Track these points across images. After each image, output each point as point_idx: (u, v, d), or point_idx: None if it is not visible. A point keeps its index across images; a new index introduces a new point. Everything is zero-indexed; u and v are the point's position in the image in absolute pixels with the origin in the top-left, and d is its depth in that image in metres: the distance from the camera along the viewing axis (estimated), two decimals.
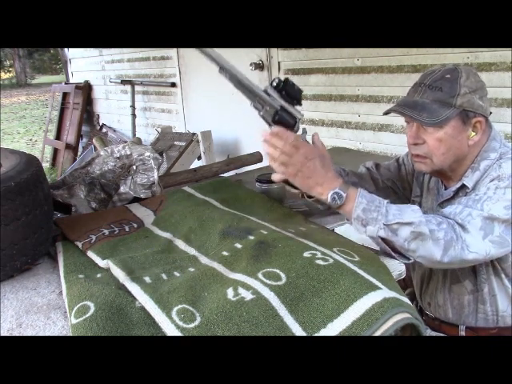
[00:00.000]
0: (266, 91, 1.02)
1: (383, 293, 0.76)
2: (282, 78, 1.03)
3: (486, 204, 1.03)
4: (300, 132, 1.07)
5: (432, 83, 1.11)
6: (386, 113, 1.18)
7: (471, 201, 1.06)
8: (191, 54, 3.86)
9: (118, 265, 0.93)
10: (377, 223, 0.97)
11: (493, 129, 1.17)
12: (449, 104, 1.08)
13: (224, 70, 1.01)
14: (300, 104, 1.05)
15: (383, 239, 0.98)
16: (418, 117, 1.08)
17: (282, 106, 1.03)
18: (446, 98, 1.08)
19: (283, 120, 1.03)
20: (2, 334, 0.80)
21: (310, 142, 1.06)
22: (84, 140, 5.49)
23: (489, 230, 1.02)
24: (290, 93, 1.03)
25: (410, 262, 1.00)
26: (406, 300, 0.78)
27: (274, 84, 1.02)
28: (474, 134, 1.12)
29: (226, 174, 1.84)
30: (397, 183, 1.37)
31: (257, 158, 1.94)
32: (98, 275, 0.94)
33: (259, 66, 3.21)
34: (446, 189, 1.24)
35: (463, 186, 1.16)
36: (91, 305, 0.79)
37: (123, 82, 4.64)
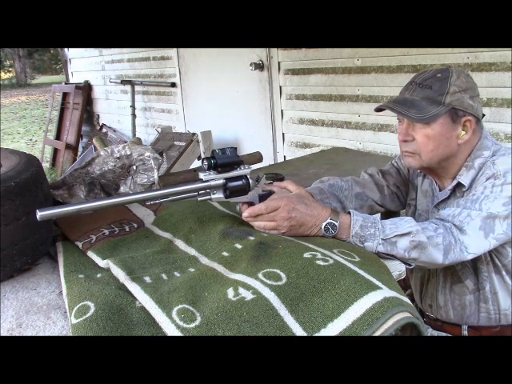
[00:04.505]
0: (201, 180, 1.00)
1: (383, 292, 0.76)
2: (209, 153, 0.98)
3: (485, 203, 1.04)
4: (262, 179, 1.08)
5: (422, 82, 1.12)
6: (378, 109, 1.20)
7: (469, 202, 1.06)
8: (191, 54, 3.87)
9: (118, 265, 0.93)
10: (375, 239, 0.97)
11: (484, 128, 1.18)
12: (438, 102, 1.09)
13: (154, 199, 0.96)
14: (240, 163, 1.02)
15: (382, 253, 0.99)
16: (407, 112, 1.10)
17: (225, 178, 1.01)
18: (435, 95, 1.10)
19: (235, 189, 1.02)
20: (2, 334, 0.80)
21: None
22: (84, 140, 5.49)
23: (489, 228, 1.02)
24: (224, 163, 1.00)
25: (412, 267, 1.00)
26: (407, 300, 0.78)
27: (205, 166, 1.00)
28: (463, 132, 1.13)
29: None
30: (401, 188, 1.37)
31: (257, 158, 1.94)
32: (98, 275, 0.94)
33: (259, 66, 3.21)
34: (440, 190, 1.24)
35: (459, 185, 1.16)
36: (91, 305, 0.79)
37: (123, 82, 4.64)
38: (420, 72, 1.16)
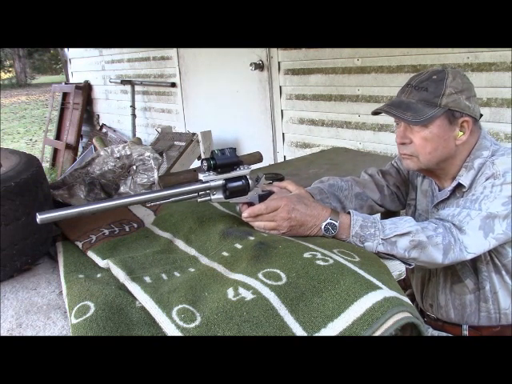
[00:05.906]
0: (201, 181, 1.00)
1: (383, 292, 0.76)
2: (209, 153, 0.97)
3: (484, 203, 1.04)
4: (262, 179, 1.07)
5: (418, 84, 1.12)
6: (374, 113, 1.20)
7: (469, 202, 1.06)
8: (191, 54, 3.87)
9: (118, 265, 0.93)
10: (375, 239, 0.97)
11: (482, 129, 1.19)
12: (434, 104, 1.09)
13: (154, 201, 0.97)
14: (239, 163, 1.02)
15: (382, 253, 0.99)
16: (403, 115, 1.10)
17: (225, 178, 1.01)
18: (431, 97, 1.10)
19: (235, 190, 1.02)
20: (2, 334, 0.80)
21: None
22: (84, 140, 5.49)
23: (488, 228, 1.03)
24: (223, 164, 1.00)
25: (412, 266, 1.00)
26: (407, 299, 0.78)
27: (205, 167, 1.00)
28: (461, 133, 1.13)
29: None
30: (401, 188, 1.37)
31: (257, 158, 1.94)
32: (98, 275, 0.94)
33: (259, 66, 3.21)
34: (440, 190, 1.24)
35: (459, 185, 1.16)
36: (91, 305, 0.79)
37: (123, 82, 4.64)
38: (416, 74, 1.16)
